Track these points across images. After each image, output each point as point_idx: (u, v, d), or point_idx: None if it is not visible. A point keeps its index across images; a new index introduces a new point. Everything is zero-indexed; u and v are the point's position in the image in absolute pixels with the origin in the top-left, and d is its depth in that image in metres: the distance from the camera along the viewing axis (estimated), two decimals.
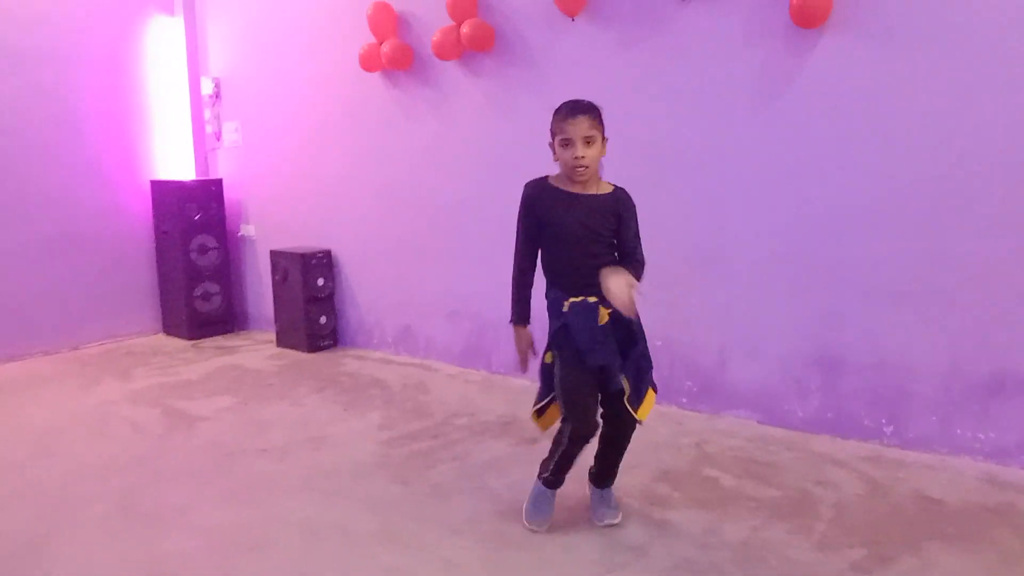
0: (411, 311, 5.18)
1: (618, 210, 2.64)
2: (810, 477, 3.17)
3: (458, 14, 4.40)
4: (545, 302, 2.73)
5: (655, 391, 2.76)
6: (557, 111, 2.61)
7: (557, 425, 2.76)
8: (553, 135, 2.62)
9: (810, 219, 3.57)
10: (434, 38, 4.51)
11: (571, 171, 2.59)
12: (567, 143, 2.55)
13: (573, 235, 2.60)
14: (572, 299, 2.61)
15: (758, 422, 3.78)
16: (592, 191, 2.64)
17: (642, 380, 2.66)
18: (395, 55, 4.73)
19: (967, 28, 3.09)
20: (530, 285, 2.78)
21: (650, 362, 2.72)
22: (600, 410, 2.69)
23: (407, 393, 4.45)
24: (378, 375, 4.81)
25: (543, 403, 2.79)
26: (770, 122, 3.59)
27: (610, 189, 2.67)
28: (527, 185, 2.72)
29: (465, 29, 4.37)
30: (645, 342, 2.70)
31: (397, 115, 5.00)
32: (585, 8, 4.01)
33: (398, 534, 2.82)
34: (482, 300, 4.78)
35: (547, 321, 2.70)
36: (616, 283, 2.45)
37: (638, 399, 2.65)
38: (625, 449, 2.78)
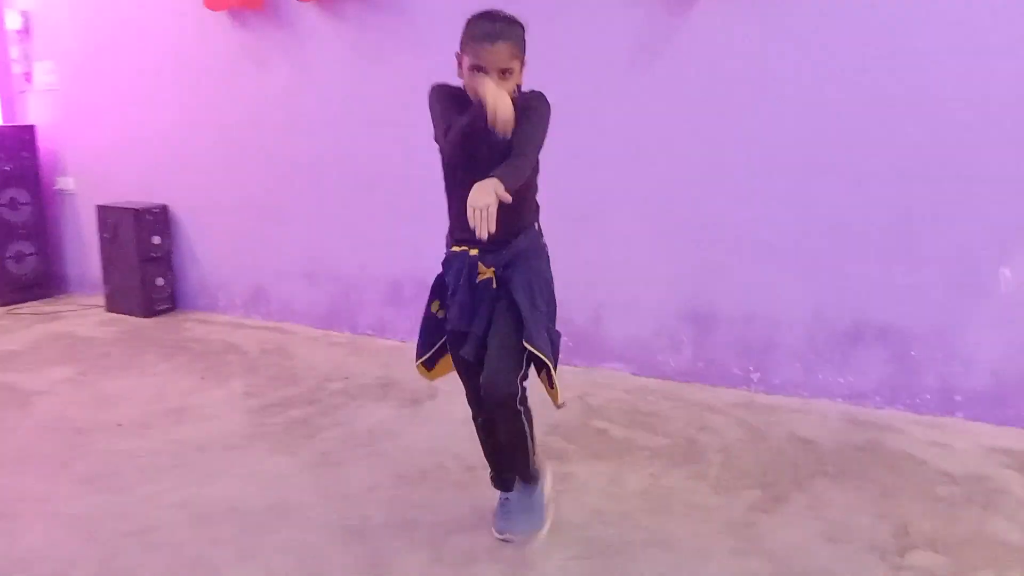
0: (263, 271, 4.88)
1: (518, 116, 2.03)
2: (693, 424, 3.29)
3: None
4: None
5: (551, 368, 2.23)
6: (471, 25, 2.10)
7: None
8: (464, 49, 2.10)
9: (683, 178, 3.66)
10: None
11: (478, 103, 2.02)
12: (478, 70, 2.05)
13: (468, 161, 2.11)
14: (454, 248, 2.26)
15: (632, 374, 3.88)
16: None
17: (555, 352, 2.26)
18: None
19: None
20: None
21: (544, 336, 2.21)
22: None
23: (268, 358, 4.19)
24: (231, 340, 4.50)
25: (424, 359, 2.43)
26: (648, 81, 3.63)
27: (516, 99, 2.09)
28: (441, 85, 2.22)
29: None
30: (547, 310, 2.26)
31: (245, 59, 4.63)
32: None
33: (296, 508, 2.65)
34: (345, 259, 4.58)
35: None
36: (473, 198, 1.91)
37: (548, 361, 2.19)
38: (511, 439, 2.29)
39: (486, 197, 1.88)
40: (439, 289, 2.35)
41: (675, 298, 3.76)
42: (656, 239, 3.76)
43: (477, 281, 2.19)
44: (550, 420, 3.28)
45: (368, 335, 4.58)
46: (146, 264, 4.96)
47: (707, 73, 3.51)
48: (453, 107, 2.14)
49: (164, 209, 5.04)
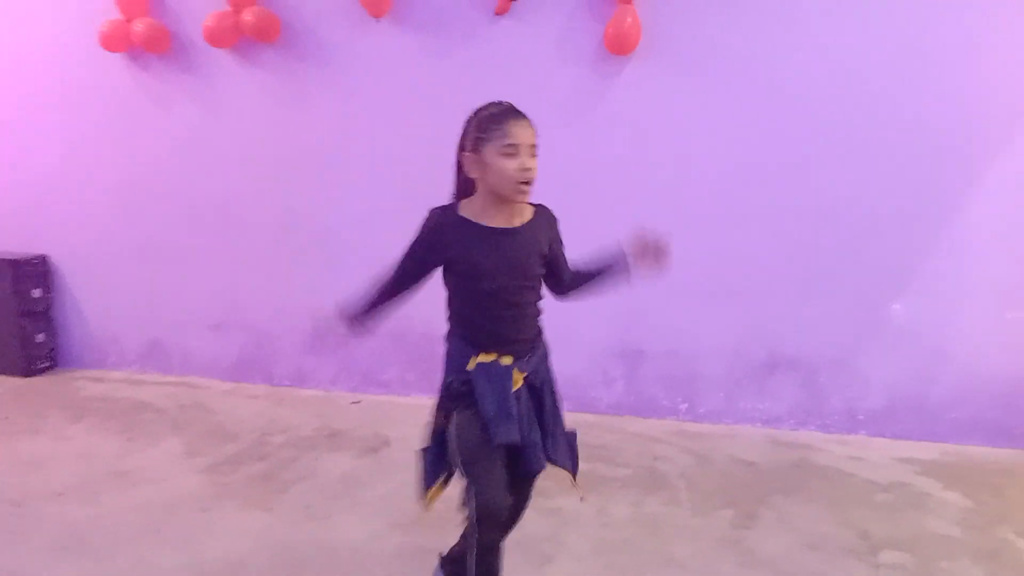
0: (161, 323, 4.65)
1: (549, 234, 2.15)
2: (645, 454, 3.55)
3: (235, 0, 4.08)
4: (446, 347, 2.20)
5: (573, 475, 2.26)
6: (489, 111, 2.05)
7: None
8: (479, 142, 2.01)
9: (614, 228, 3.96)
10: (207, 23, 4.11)
11: (515, 188, 2.01)
12: (511, 151, 1.98)
13: (497, 283, 2.06)
14: (482, 358, 2.08)
15: (568, 411, 4.09)
16: (517, 223, 2.09)
17: (575, 456, 2.25)
18: (151, 36, 4.21)
19: (746, 63, 3.68)
20: (385, 309, 2.20)
21: (565, 439, 2.23)
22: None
23: (190, 414, 4.02)
24: (138, 397, 4.26)
25: (437, 481, 2.16)
26: (578, 138, 3.89)
27: (532, 212, 2.15)
28: (433, 212, 2.10)
29: (247, 17, 4.05)
30: (561, 409, 2.24)
31: (144, 102, 4.44)
32: (391, 10, 3.98)
33: (309, 563, 2.62)
34: (258, 308, 4.48)
35: (441, 374, 2.19)
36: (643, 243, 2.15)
37: (575, 470, 2.24)
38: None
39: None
40: (460, 399, 2.08)
41: (607, 337, 4.03)
42: None
43: (514, 391, 2.05)
44: None
45: (287, 386, 4.48)
46: (24, 319, 4.57)
47: (632, 130, 3.83)
48: (441, 243, 2.06)
49: (44, 259, 4.68)
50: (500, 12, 3.86)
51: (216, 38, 4.13)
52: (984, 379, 3.66)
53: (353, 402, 4.27)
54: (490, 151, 1.99)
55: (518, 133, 1.99)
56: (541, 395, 2.14)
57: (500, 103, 2.09)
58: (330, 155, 4.25)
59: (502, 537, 2.15)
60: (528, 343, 2.12)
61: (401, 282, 2.14)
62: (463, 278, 2.09)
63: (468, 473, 2.02)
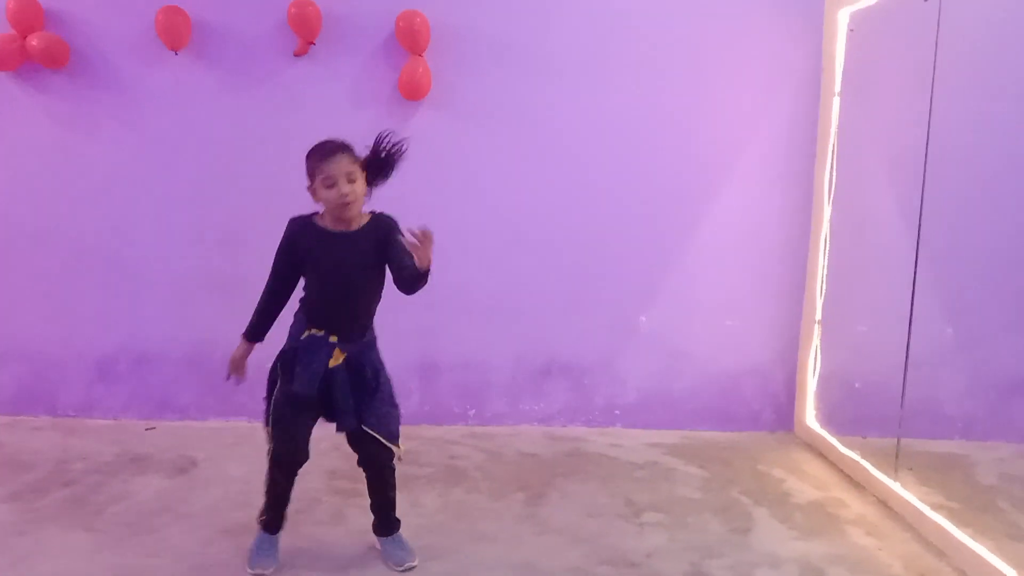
0: None
1: (377, 236, 2.65)
2: (443, 454, 3.98)
3: (22, 25, 4.03)
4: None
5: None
6: (313, 153, 2.61)
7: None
8: (312, 177, 2.61)
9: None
10: None
11: (338, 209, 2.59)
12: (330, 182, 2.56)
13: (336, 276, 2.66)
14: (313, 330, 2.67)
15: None
16: (354, 227, 2.66)
17: (390, 424, 2.77)
18: None
19: (520, 110, 4.26)
20: (272, 314, 2.80)
21: (397, 409, 2.83)
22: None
23: None
24: None
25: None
26: None
27: (367, 219, 2.70)
28: (291, 221, 2.73)
29: (34, 42, 4.02)
30: (390, 390, 2.80)
31: None
32: (190, 45, 4.14)
33: (154, 570, 2.75)
34: (40, 336, 4.38)
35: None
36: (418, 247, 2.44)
37: (390, 437, 2.77)
38: (389, 490, 2.88)
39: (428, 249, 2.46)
40: (285, 361, 2.71)
41: (404, 352, 4.41)
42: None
43: (331, 365, 2.65)
44: (330, 467, 3.70)
45: (73, 416, 4.40)
46: None
47: (423, 168, 4.24)
48: (297, 243, 2.71)
49: None
50: (299, 54, 4.16)
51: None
52: (711, 375, 4.50)
53: (148, 428, 4.30)
54: (318, 184, 2.61)
55: (331, 168, 2.56)
56: (362, 373, 2.68)
57: (322, 144, 2.64)
58: (121, 185, 4.29)
59: (292, 477, 2.79)
60: (354, 329, 2.70)
61: (276, 284, 2.78)
62: (309, 270, 2.71)
63: (272, 427, 2.70)
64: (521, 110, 4.28)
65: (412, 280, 2.56)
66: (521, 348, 4.45)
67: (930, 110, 3.30)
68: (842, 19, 4.04)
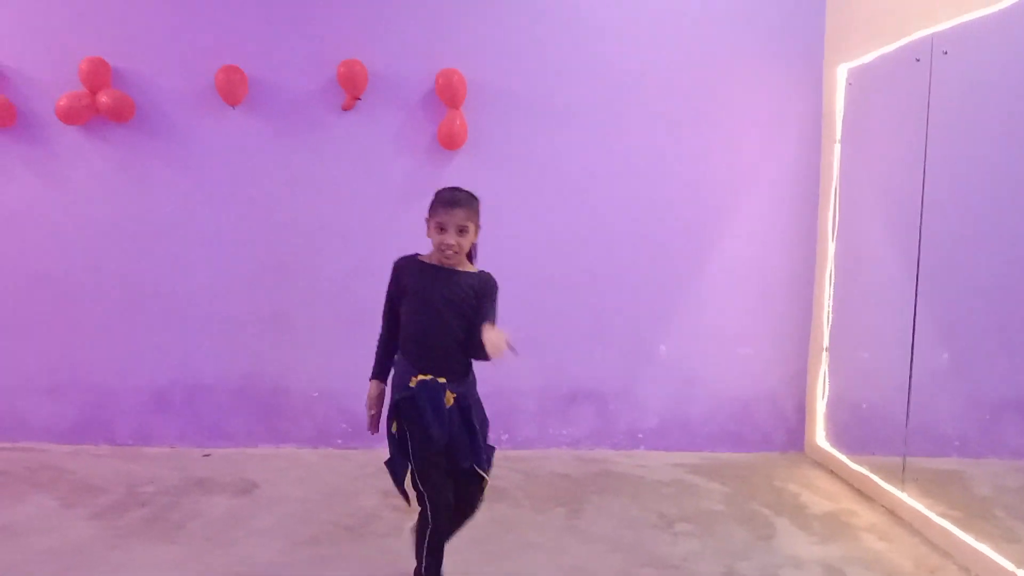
0: None
1: (478, 288, 2.72)
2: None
3: (91, 82, 4.40)
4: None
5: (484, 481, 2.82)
6: (439, 195, 2.73)
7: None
8: (431, 215, 2.71)
9: None
10: (61, 101, 4.38)
11: (440, 253, 2.70)
12: (442, 227, 2.66)
13: (432, 306, 2.67)
14: (421, 376, 2.66)
15: None
16: (459, 269, 2.74)
17: (490, 460, 2.81)
18: None
19: (549, 158, 4.66)
20: (390, 351, 2.82)
21: (486, 453, 2.80)
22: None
23: (44, 474, 4.15)
24: None
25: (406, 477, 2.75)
26: (415, 218, 4.56)
27: (475, 271, 2.79)
28: (396, 261, 2.81)
29: (103, 98, 4.39)
30: (487, 429, 2.84)
31: None
32: (246, 100, 4.52)
33: None
34: (100, 369, 4.68)
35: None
36: (493, 333, 2.54)
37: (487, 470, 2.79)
38: (455, 530, 2.85)
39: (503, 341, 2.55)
40: (407, 412, 2.67)
41: None
42: None
43: (447, 406, 2.65)
44: (383, 487, 3.99)
45: (130, 445, 4.69)
46: None
47: None
48: (401, 278, 2.76)
49: None
50: (347, 108, 4.55)
51: (69, 116, 4.41)
52: (725, 400, 4.84)
53: (204, 455, 4.59)
54: (431, 224, 2.72)
55: (446, 218, 2.67)
56: (469, 413, 2.71)
57: (449, 191, 2.74)
58: (178, 229, 4.63)
59: (451, 527, 2.77)
60: (456, 369, 2.72)
61: (390, 323, 2.80)
62: (408, 304, 2.71)
63: (424, 484, 2.66)
64: (547, 158, 4.67)
65: (476, 351, 2.66)
66: (548, 377, 4.78)
67: (925, 154, 3.70)
68: (841, 74, 4.46)
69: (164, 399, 4.70)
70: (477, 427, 2.74)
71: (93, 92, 4.42)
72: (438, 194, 2.75)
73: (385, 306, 2.84)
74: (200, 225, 4.63)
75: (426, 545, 2.67)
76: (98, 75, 4.41)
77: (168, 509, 3.72)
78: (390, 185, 4.63)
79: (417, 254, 2.81)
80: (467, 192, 2.75)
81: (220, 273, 4.64)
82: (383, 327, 2.85)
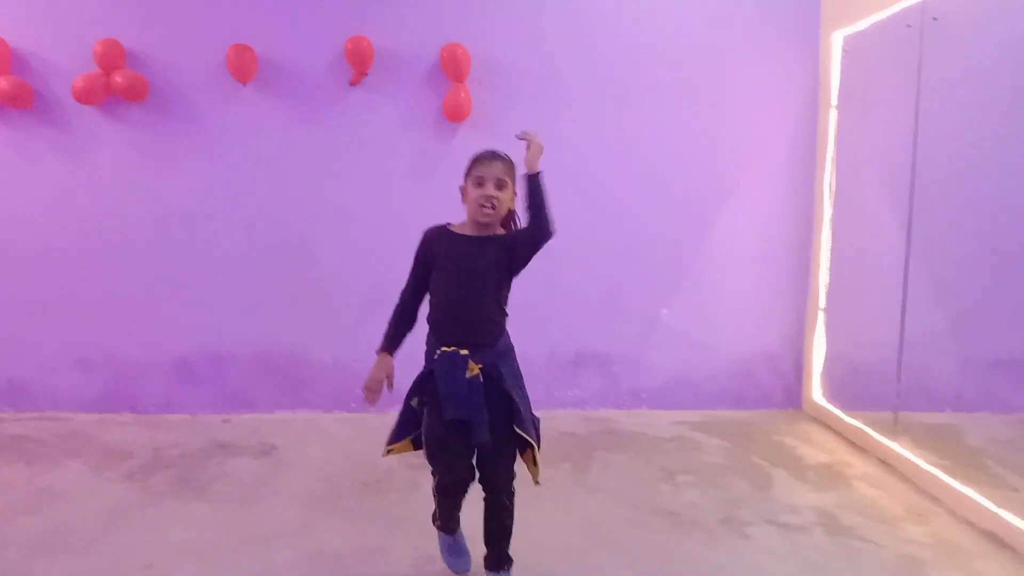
0: (16, 364, 4.84)
1: (507, 242, 2.66)
2: None
3: (106, 63, 4.53)
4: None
5: (535, 448, 2.70)
6: (475, 156, 2.66)
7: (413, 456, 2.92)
8: (467, 176, 2.65)
9: None
10: (76, 82, 4.52)
11: (477, 209, 2.58)
12: (480, 182, 2.59)
13: (462, 275, 2.61)
14: (444, 348, 2.59)
15: None
16: (488, 234, 2.66)
17: (533, 428, 2.68)
18: (13, 93, 4.53)
19: (553, 131, 4.78)
20: (407, 323, 2.73)
21: (530, 420, 2.67)
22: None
23: (73, 441, 4.33)
24: (10, 432, 4.47)
25: (395, 444, 2.77)
26: (421, 189, 4.77)
27: (502, 233, 2.71)
28: (426, 231, 2.73)
29: (118, 78, 4.53)
30: (526, 400, 2.69)
31: (5, 156, 4.70)
32: (256, 78, 4.65)
33: (267, 534, 3.25)
34: (123, 341, 4.85)
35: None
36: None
37: (533, 437, 2.68)
38: (507, 517, 2.75)
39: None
40: (422, 385, 2.66)
41: None
42: None
43: (467, 377, 2.54)
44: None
45: (152, 413, 4.87)
46: None
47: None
48: (432, 247, 2.68)
49: None
50: (354, 83, 4.67)
51: (85, 96, 4.54)
52: (726, 361, 5.01)
53: (224, 421, 4.78)
54: (468, 182, 2.64)
55: (484, 170, 2.60)
56: (499, 384, 2.58)
57: (488, 150, 2.68)
58: (196, 205, 4.78)
59: (460, 500, 2.76)
60: (483, 338, 2.61)
61: (412, 289, 2.72)
62: (437, 275, 2.64)
63: (430, 459, 2.69)
64: (550, 130, 4.72)
65: (536, 212, 2.56)
66: (555, 341, 4.94)
67: (917, 118, 3.83)
68: (836, 41, 4.57)
69: (185, 369, 4.88)
70: (513, 394, 2.61)
71: (108, 73, 4.55)
72: (476, 154, 2.68)
73: (411, 275, 2.73)
74: (217, 200, 4.77)
75: (439, 511, 2.83)
76: (112, 56, 4.54)
77: (194, 471, 3.91)
78: (398, 157, 4.76)
79: (448, 224, 2.72)
80: (504, 153, 2.70)
81: (236, 247, 4.79)
82: (401, 298, 2.74)
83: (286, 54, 4.67)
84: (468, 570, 2.88)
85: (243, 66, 4.56)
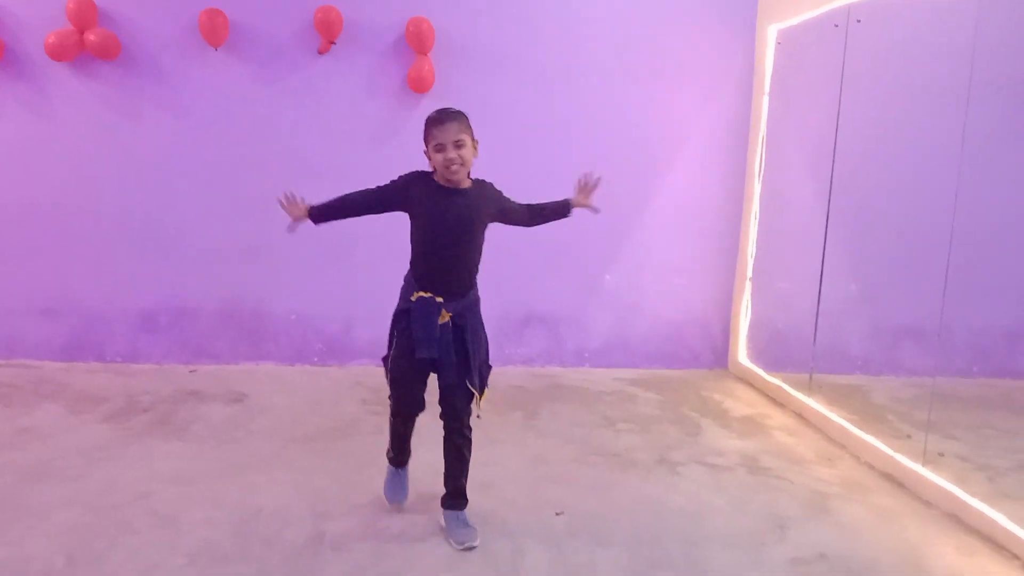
0: None
1: (486, 196, 2.91)
2: None
3: (79, 21, 4.66)
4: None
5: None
6: (428, 121, 2.78)
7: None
8: (426, 142, 2.78)
9: None
10: (49, 39, 4.63)
11: (445, 170, 2.74)
12: (440, 147, 2.73)
13: (441, 226, 2.79)
14: (420, 293, 2.82)
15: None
16: (463, 187, 2.83)
17: (484, 380, 2.95)
18: None
19: (512, 104, 5.12)
20: (342, 207, 2.92)
21: (478, 369, 2.90)
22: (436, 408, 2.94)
23: (45, 387, 4.52)
24: None
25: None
26: (385, 156, 5.01)
27: (472, 183, 2.88)
28: (411, 171, 2.88)
29: (91, 37, 4.66)
30: (487, 349, 2.98)
31: None
32: (227, 43, 4.84)
33: (246, 465, 3.54)
34: (90, 293, 5.03)
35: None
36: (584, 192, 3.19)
37: (481, 389, 2.92)
38: (464, 448, 2.96)
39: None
40: (400, 323, 2.90)
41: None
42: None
43: (439, 323, 2.81)
44: (360, 397, 4.50)
45: (118, 362, 5.07)
46: None
47: None
48: (410, 188, 2.84)
49: None
50: (323, 51, 4.90)
51: (57, 53, 4.66)
52: (661, 324, 5.45)
53: (190, 370, 5.01)
54: (429, 149, 2.79)
55: (440, 135, 2.74)
56: (464, 332, 2.85)
57: (437, 112, 2.80)
58: (163, 163, 4.96)
59: (411, 424, 3.09)
60: (458, 288, 2.86)
61: (364, 200, 2.89)
62: (420, 224, 2.84)
63: (391, 385, 2.99)
64: (506, 103, 5.12)
65: (543, 220, 3.19)
66: (506, 301, 5.30)
67: (839, 108, 4.28)
68: (771, 34, 5.00)
69: (151, 320, 5.08)
70: (469, 347, 2.85)
71: (80, 31, 4.67)
72: (428, 119, 2.80)
73: (375, 191, 2.88)
74: (185, 159, 4.96)
75: (389, 439, 3.15)
76: (85, 14, 4.66)
77: (170, 415, 4.16)
78: (363, 124, 5.02)
79: (433, 172, 2.85)
80: (454, 109, 2.81)
81: (201, 204, 5.00)
82: (358, 198, 2.90)
83: (257, 20, 4.86)
84: (403, 502, 3.15)
85: (215, 30, 4.74)
